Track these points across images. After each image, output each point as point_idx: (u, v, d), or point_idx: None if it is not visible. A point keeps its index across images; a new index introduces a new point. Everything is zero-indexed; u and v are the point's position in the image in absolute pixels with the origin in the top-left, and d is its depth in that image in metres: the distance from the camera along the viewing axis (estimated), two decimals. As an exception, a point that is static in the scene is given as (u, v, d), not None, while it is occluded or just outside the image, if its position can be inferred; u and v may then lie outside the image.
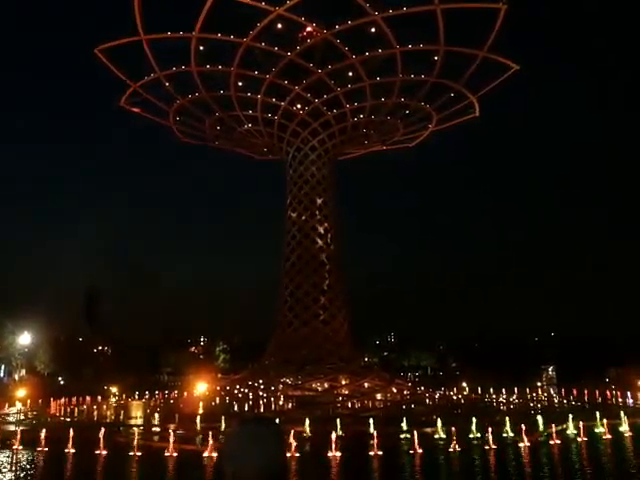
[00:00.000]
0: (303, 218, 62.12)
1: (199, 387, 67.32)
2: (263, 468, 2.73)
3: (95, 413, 53.00)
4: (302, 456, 26.07)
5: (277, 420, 31.51)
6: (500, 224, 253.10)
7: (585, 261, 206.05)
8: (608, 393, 59.39)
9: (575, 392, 62.12)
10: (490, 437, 28.51)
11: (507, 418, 33.46)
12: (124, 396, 69.78)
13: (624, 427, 33.15)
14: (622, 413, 35.04)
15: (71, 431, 28.54)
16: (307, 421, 34.33)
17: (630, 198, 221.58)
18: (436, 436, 31.95)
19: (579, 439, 30.47)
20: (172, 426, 37.99)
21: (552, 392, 75.88)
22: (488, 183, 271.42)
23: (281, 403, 54.20)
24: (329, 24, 52.75)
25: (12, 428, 38.95)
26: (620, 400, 56.45)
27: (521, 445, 28.59)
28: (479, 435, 31.27)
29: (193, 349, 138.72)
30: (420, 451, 26.83)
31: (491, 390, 67.96)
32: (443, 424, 32.81)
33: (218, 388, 61.93)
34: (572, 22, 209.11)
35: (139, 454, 26.79)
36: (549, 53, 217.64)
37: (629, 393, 58.28)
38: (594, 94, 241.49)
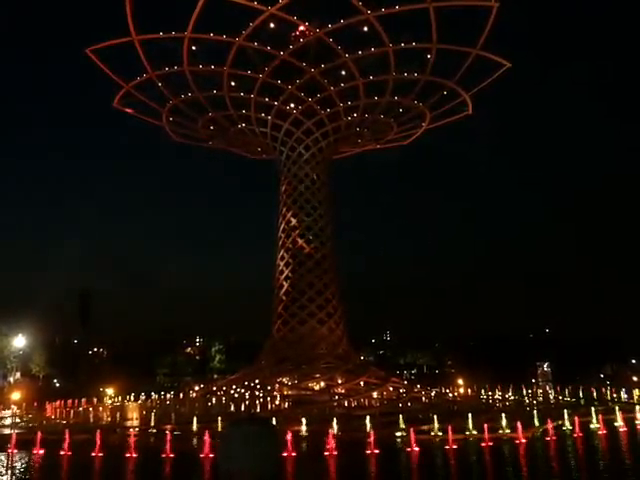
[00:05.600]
0: (298, 217, 62.10)
1: (195, 387, 67.20)
2: (257, 467, 2.75)
3: (91, 415, 52.82)
4: (299, 455, 26.06)
5: (273, 420, 31.53)
6: (493, 221, 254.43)
7: (581, 258, 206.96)
8: (603, 389, 59.67)
9: (570, 388, 62.41)
10: (486, 434, 28.61)
11: (503, 415, 33.60)
12: (120, 398, 69.55)
13: (619, 422, 33.40)
14: (617, 408, 35.28)
15: (67, 433, 28.45)
16: (304, 420, 34.34)
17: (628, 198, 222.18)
18: (432, 434, 32.05)
19: (575, 435, 30.64)
20: (169, 427, 37.93)
21: (547, 389, 76.16)
22: (482, 178, 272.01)
23: (277, 402, 54.18)
24: (322, 23, 52.76)
25: (7, 431, 38.75)
26: (615, 396, 56.76)
27: (517, 442, 28.71)
28: (475, 432, 31.38)
29: (189, 350, 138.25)
30: (417, 449, 26.88)
31: (487, 387, 68.19)
32: (439, 422, 32.92)
33: (214, 388, 61.81)
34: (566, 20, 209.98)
35: (135, 455, 26.71)
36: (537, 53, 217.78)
37: (624, 389, 58.60)
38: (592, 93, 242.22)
